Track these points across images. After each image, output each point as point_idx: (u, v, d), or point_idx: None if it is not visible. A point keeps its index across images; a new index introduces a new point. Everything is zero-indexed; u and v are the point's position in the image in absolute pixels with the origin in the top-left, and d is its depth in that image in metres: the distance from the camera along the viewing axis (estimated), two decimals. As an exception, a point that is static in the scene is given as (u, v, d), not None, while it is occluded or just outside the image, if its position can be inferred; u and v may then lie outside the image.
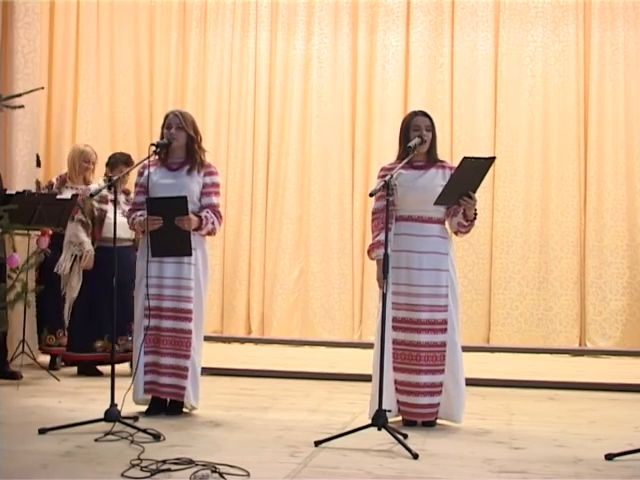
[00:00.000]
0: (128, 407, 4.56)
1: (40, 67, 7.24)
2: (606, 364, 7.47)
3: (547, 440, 4.43)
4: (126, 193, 6.36)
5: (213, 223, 4.93)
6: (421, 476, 3.71)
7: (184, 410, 4.94)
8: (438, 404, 4.67)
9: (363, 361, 5.71)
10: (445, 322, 4.66)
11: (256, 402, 5.41)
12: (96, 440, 4.20)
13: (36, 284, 6.30)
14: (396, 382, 4.67)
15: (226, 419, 4.83)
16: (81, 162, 6.67)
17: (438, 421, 4.73)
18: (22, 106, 3.61)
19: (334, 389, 5.96)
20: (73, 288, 6.22)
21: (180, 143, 4.96)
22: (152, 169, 4.95)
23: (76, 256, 6.18)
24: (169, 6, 9.04)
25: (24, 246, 6.10)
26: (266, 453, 4.06)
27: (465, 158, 4.44)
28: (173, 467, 3.69)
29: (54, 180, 6.81)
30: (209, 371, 5.88)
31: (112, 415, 4.40)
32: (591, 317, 8.22)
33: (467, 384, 4.77)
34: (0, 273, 5.60)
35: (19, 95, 3.61)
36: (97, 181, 6.54)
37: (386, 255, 4.42)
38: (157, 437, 4.24)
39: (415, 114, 4.80)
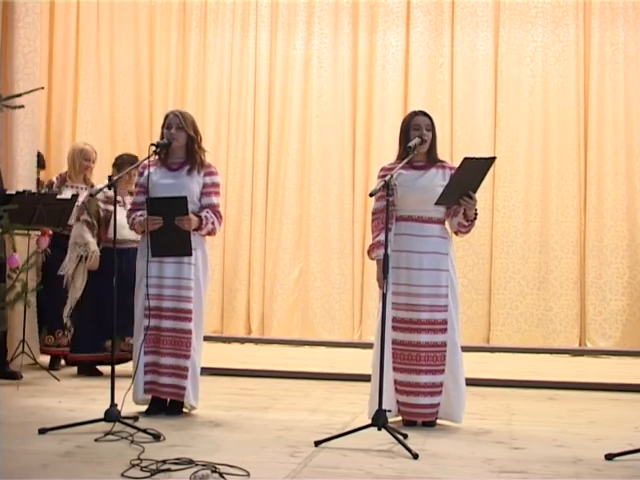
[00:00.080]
0: (128, 407, 4.56)
1: (40, 67, 7.22)
2: (606, 364, 7.47)
3: (547, 440, 4.43)
4: (132, 194, 6.33)
5: (213, 223, 4.93)
6: (421, 476, 3.71)
7: (184, 410, 4.94)
8: (438, 404, 4.67)
9: (363, 361, 5.71)
10: (445, 322, 4.66)
11: (256, 402, 5.41)
12: (96, 440, 4.20)
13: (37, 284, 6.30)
14: (396, 382, 4.67)
15: (226, 419, 4.83)
16: (81, 160, 6.66)
17: (438, 421, 4.73)
18: (22, 106, 3.62)
19: (334, 389, 5.95)
20: (77, 289, 6.19)
21: (180, 143, 4.96)
22: (152, 169, 4.95)
23: (81, 257, 6.16)
24: (169, 6, 9.04)
25: (24, 246, 6.09)
26: (266, 453, 4.05)
27: (466, 158, 4.45)
28: (173, 467, 3.68)
29: (54, 179, 6.82)
30: (209, 371, 5.88)
31: (112, 415, 4.40)
32: (591, 317, 8.22)
33: (467, 384, 4.76)
34: (0, 273, 5.61)
35: (19, 95, 3.61)
36: (103, 182, 6.52)
37: (386, 255, 4.42)
38: (157, 437, 4.24)
39: (415, 114, 4.80)
